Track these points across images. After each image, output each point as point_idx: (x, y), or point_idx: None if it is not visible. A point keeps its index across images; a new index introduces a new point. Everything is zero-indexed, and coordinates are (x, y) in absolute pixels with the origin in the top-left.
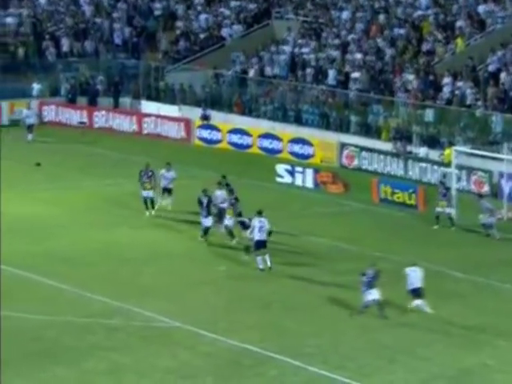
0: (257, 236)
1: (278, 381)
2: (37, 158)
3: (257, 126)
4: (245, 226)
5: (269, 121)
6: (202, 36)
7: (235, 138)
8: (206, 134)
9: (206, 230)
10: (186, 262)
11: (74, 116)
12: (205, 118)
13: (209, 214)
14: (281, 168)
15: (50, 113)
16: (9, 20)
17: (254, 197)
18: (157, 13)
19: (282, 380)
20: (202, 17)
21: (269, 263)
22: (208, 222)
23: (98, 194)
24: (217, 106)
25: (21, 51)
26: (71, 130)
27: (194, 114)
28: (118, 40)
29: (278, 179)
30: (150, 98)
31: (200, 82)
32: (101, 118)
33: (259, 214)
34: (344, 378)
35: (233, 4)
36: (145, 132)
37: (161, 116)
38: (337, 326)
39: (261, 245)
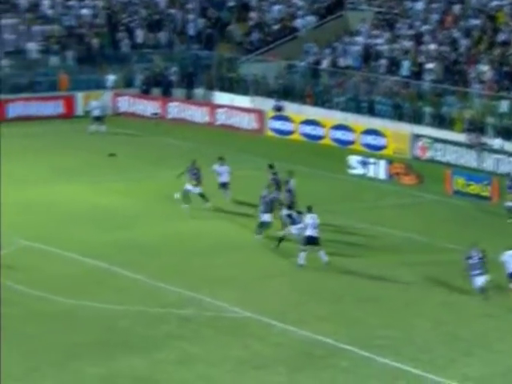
0: (308, 232)
1: (349, 372)
2: (111, 148)
3: (329, 117)
4: (292, 219)
5: (341, 112)
6: (275, 27)
7: (308, 129)
8: (278, 125)
9: (262, 225)
10: (257, 253)
11: (148, 107)
12: (277, 109)
13: (269, 209)
14: (353, 159)
15: (124, 104)
16: (84, 11)
17: (326, 188)
18: (230, 4)
19: (353, 371)
20: (276, 8)
21: (325, 258)
22: (266, 217)
23: (171, 185)
24: (289, 97)
25: (96, 42)
26: (145, 121)
27: (267, 105)
28: (191, 31)
29: (351, 171)
30: (222, 89)
31: (273, 73)
32: (174, 109)
33: (309, 210)
34: (417, 370)
35: None
36: (217, 123)
37: (233, 107)
38: (409, 318)
39: (312, 241)
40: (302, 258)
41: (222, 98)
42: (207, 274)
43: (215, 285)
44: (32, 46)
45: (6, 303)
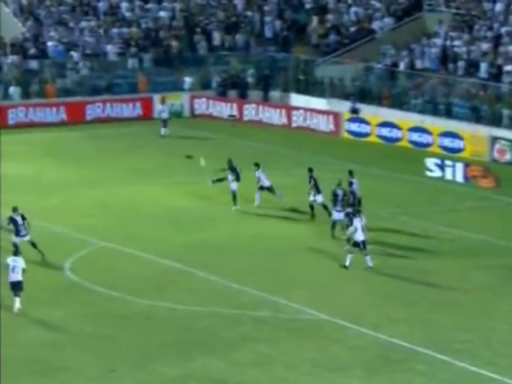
0: (361, 237)
1: (425, 376)
2: (188, 150)
3: (406, 119)
4: (350, 218)
5: (419, 114)
6: (352, 29)
7: (384, 131)
8: (354, 127)
9: (334, 224)
10: (332, 255)
11: (225, 109)
12: (354, 111)
13: (342, 207)
14: (430, 162)
15: (201, 106)
16: (162, 14)
17: (403, 191)
18: (308, 6)
19: (429, 375)
20: (353, 10)
21: (370, 264)
22: (339, 215)
23: (246, 187)
24: (366, 99)
25: (175, 45)
26: (221, 123)
27: (343, 107)
28: (268, 33)
29: (428, 173)
30: (299, 91)
31: (349, 75)
32: (251, 111)
33: (358, 212)
34: (495, 375)
35: None
36: (294, 125)
37: (310, 109)
38: (487, 322)
39: (360, 245)
40: (348, 259)
41: (298, 100)
42: (282, 275)
43: (290, 287)
44: (111, 49)
45: (83, 304)
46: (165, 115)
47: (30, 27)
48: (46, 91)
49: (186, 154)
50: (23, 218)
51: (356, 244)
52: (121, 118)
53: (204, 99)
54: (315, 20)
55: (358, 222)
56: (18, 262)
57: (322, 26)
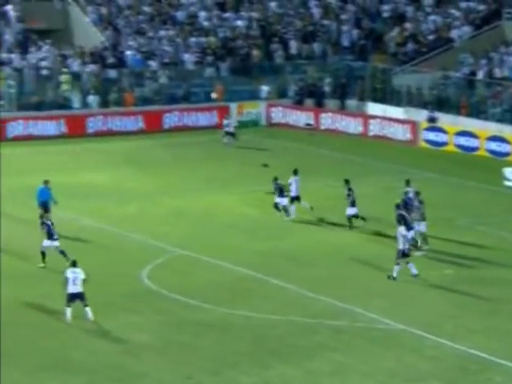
0: (401, 245)
1: None
2: (264, 159)
3: (484, 128)
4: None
5: (497, 123)
6: (430, 37)
7: (462, 141)
8: (432, 136)
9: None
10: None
11: (301, 118)
12: (431, 120)
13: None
14: (509, 171)
15: (278, 114)
16: (239, 23)
17: (481, 200)
18: (385, 15)
19: None
20: (431, 18)
21: (414, 271)
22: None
23: (323, 195)
24: (444, 108)
25: (255, 54)
26: (298, 132)
27: (421, 116)
28: (345, 42)
29: (506, 183)
30: (375, 99)
31: (427, 84)
32: (327, 120)
33: (400, 222)
34: None
35: (462, 5)
36: (370, 134)
37: (387, 118)
38: None
39: (403, 254)
40: (396, 270)
41: (375, 108)
42: (359, 284)
43: (367, 296)
44: (188, 58)
45: (160, 311)
46: (229, 129)
47: (109, 36)
48: (125, 100)
49: (263, 162)
50: (52, 223)
51: (402, 253)
52: (197, 127)
53: (281, 108)
54: (393, 29)
55: (404, 231)
56: (78, 274)
57: (399, 35)
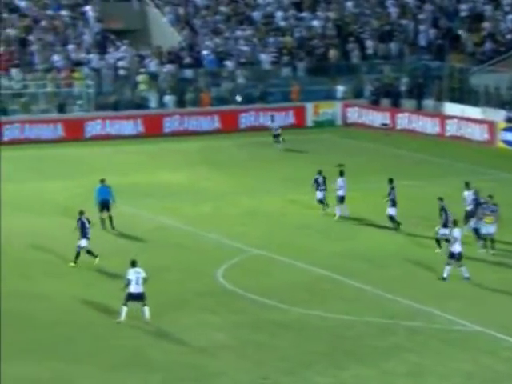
0: (458, 248)
1: None
2: (340, 159)
3: None
4: (478, 234)
5: None
6: (508, 37)
7: None
8: (510, 136)
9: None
10: (487, 266)
11: (377, 118)
12: (509, 120)
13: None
14: None
15: (354, 114)
16: (315, 23)
17: None
18: (463, 14)
19: None
20: (510, 17)
21: (466, 275)
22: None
23: (399, 196)
24: None
25: (331, 53)
26: (374, 132)
27: (499, 116)
28: (422, 41)
29: None
30: (453, 99)
31: (505, 84)
32: (404, 120)
33: (455, 223)
34: None
35: None
36: (447, 134)
37: (464, 118)
38: None
39: (455, 256)
40: (446, 271)
41: (452, 108)
42: (435, 285)
43: (443, 297)
44: (265, 58)
45: (236, 311)
46: (276, 132)
47: (186, 36)
48: (201, 100)
49: (339, 163)
50: (88, 222)
51: (452, 255)
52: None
53: (357, 108)
54: (471, 28)
55: (457, 233)
56: (140, 273)
57: (477, 34)
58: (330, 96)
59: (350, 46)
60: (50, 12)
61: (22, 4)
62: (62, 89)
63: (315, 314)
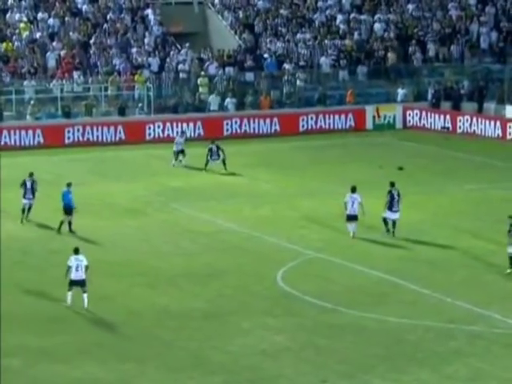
0: None
1: None
2: (400, 162)
3: None
4: None
5: None
6: None
7: None
8: None
9: None
10: None
11: (438, 121)
12: None
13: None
14: None
15: (414, 117)
16: (376, 26)
17: None
18: None
19: None
20: None
21: None
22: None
23: (461, 199)
24: None
25: (391, 56)
26: (435, 135)
27: None
28: (484, 44)
29: None
30: None
31: None
32: (465, 123)
33: None
34: None
35: None
36: (509, 137)
37: None
38: None
39: None
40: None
41: None
42: (497, 289)
43: (505, 300)
44: (324, 60)
45: (295, 314)
46: (179, 147)
47: (246, 40)
48: (261, 103)
49: (399, 165)
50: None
51: None
52: (333, 130)
53: (417, 111)
54: None
55: None
56: (82, 261)
57: None
58: (390, 99)
59: (411, 48)
60: (111, 15)
61: (85, 7)
62: (123, 92)
63: (374, 318)
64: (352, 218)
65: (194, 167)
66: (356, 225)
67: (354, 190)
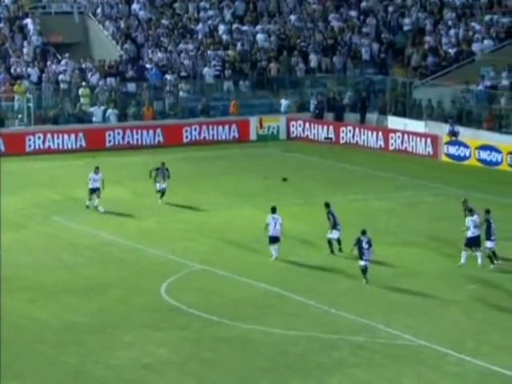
0: (471, 234)
1: None
2: (284, 173)
3: (507, 142)
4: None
5: None
6: (451, 51)
7: (484, 155)
8: (453, 150)
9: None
10: (434, 280)
11: (321, 132)
12: (453, 134)
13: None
14: None
15: (298, 128)
16: (258, 36)
17: (504, 216)
18: (406, 28)
19: None
20: (452, 32)
21: (480, 261)
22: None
23: (345, 210)
24: (465, 122)
25: (274, 67)
26: (318, 146)
27: (442, 130)
28: (366, 55)
29: None
30: (396, 113)
31: (448, 98)
32: (347, 134)
33: (471, 211)
34: None
35: (485, 18)
36: (391, 148)
37: (407, 132)
38: None
39: (472, 242)
40: (463, 257)
41: (395, 122)
42: (381, 299)
43: (388, 311)
44: (207, 71)
45: (180, 327)
46: (96, 184)
47: (128, 50)
48: (143, 114)
49: (283, 176)
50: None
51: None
52: (217, 141)
53: (300, 122)
54: (413, 42)
55: (469, 221)
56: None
57: (420, 48)
58: (273, 110)
59: (294, 59)
60: None
61: None
62: (1, 103)
63: (260, 330)
64: (275, 239)
65: (76, 179)
66: (278, 246)
67: (274, 210)
